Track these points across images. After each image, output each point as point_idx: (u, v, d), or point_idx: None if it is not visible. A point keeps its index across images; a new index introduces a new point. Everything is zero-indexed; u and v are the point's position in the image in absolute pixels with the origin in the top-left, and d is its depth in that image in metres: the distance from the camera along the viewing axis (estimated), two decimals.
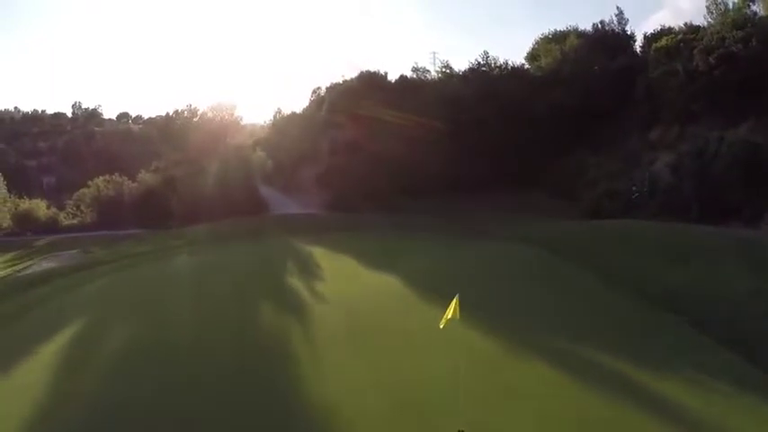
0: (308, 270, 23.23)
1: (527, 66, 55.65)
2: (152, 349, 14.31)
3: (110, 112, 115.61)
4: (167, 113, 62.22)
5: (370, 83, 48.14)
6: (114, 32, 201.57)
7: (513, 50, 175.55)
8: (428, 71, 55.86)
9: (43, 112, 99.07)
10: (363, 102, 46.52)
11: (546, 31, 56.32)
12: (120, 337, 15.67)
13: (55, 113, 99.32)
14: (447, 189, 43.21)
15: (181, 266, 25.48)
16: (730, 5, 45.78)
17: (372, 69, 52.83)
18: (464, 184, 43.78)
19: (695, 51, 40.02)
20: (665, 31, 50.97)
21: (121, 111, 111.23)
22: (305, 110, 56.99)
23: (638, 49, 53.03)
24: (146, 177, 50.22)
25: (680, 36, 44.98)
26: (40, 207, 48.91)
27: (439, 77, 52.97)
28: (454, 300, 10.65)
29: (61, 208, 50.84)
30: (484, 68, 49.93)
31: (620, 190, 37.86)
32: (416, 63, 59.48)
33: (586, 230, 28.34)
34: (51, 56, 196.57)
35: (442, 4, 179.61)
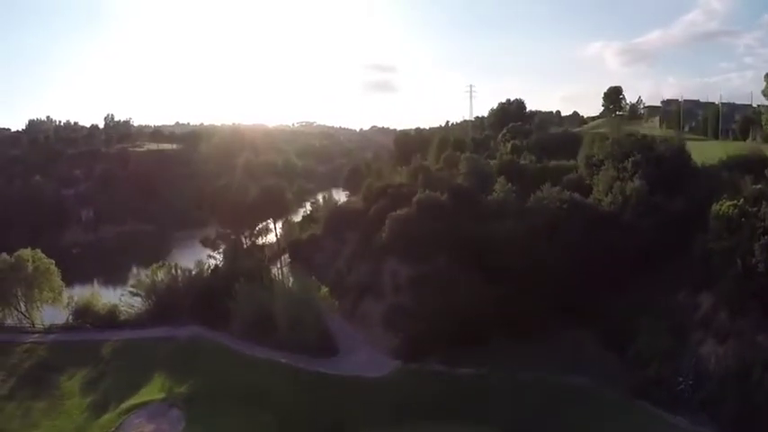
0: None
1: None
2: None
3: (140, 120, 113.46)
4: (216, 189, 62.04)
5: (428, 209, 48.53)
6: (143, 45, 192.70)
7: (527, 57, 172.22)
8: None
9: (76, 124, 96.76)
10: (421, 231, 47.14)
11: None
12: None
13: (88, 132, 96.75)
14: (507, 332, 44.16)
15: None
16: None
17: (430, 195, 52.84)
18: (520, 326, 44.79)
19: (756, 246, 41.13)
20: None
21: (155, 126, 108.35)
22: (358, 205, 56.52)
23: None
24: (203, 273, 51.35)
25: (740, 202, 45.67)
26: (97, 300, 50.39)
27: (498, 196, 53.59)
28: None
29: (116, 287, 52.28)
30: (545, 201, 50.69)
31: (667, 378, 40.57)
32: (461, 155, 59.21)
33: None
34: (85, 65, 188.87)
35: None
